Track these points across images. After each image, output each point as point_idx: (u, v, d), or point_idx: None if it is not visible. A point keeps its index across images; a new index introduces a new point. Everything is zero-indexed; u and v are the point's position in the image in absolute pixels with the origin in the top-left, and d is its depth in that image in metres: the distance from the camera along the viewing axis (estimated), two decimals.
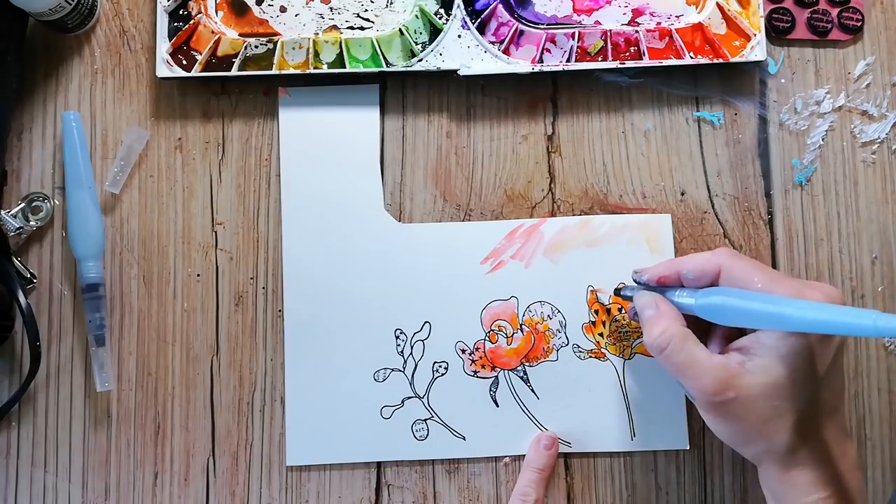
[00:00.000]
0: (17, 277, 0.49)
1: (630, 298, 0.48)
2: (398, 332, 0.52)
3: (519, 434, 0.51)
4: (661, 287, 0.47)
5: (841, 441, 0.42)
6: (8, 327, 0.50)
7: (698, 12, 0.53)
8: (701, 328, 0.44)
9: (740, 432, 0.42)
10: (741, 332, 0.43)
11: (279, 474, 0.51)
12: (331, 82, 0.53)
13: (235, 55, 0.52)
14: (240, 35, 0.53)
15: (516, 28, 0.52)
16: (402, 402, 0.51)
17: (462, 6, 0.52)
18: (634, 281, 0.49)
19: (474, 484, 0.51)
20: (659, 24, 0.53)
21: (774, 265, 0.53)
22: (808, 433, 0.41)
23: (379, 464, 0.51)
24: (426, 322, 0.52)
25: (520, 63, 0.52)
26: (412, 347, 0.51)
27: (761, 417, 0.41)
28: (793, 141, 0.54)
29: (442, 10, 0.53)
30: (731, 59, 0.52)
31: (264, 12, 0.53)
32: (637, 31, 0.52)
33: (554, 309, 0.52)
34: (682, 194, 0.53)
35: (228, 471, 0.51)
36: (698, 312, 0.43)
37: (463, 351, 0.51)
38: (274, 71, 0.52)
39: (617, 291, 0.51)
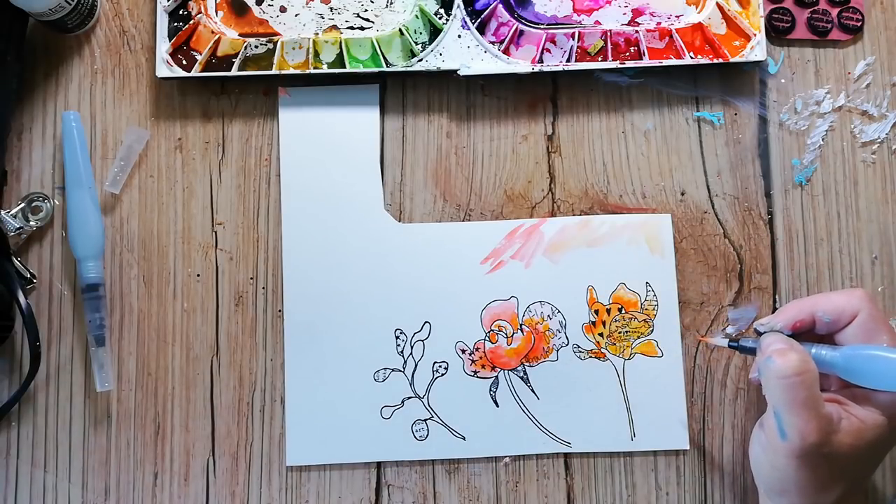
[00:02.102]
0: (17, 277, 0.49)
1: (752, 351, 0.45)
2: (398, 332, 0.52)
3: (519, 434, 0.51)
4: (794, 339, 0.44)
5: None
6: (8, 327, 0.50)
7: (698, 12, 0.53)
8: None
9: (801, 483, 0.41)
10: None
11: (279, 474, 0.51)
12: (331, 82, 0.53)
13: (235, 55, 0.52)
14: (240, 35, 0.53)
15: (516, 28, 0.52)
16: (402, 402, 0.51)
17: (462, 6, 0.52)
18: (756, 332, 0.45)
19: (474, 484, 0.51)
20: (659, 24, 0.53)
21: (774, 265, 0.53)
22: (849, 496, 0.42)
23: (379, 464, 0.51)
24: (426, 322, 0.52)
25: (520, 63, 0.52)
26: (412, 347, 0.51)
27: (828, 477, 0.41)
28: (793, 141, 0.54)
29: (442, 10, 0.53)
30: (731, 59, 0.52)
31: (264, 12, 0.53)
32: (637, 31, 0.52)
33: (554, 309, 0.52)
34: (682, 194, 0.53)
35: (228, 471, 0.51)
36: (842, 369, 0.42)
37: (463, 351, 0.51)
38: (274, 71, 0.52)
39: (735, 344, 0.47)
